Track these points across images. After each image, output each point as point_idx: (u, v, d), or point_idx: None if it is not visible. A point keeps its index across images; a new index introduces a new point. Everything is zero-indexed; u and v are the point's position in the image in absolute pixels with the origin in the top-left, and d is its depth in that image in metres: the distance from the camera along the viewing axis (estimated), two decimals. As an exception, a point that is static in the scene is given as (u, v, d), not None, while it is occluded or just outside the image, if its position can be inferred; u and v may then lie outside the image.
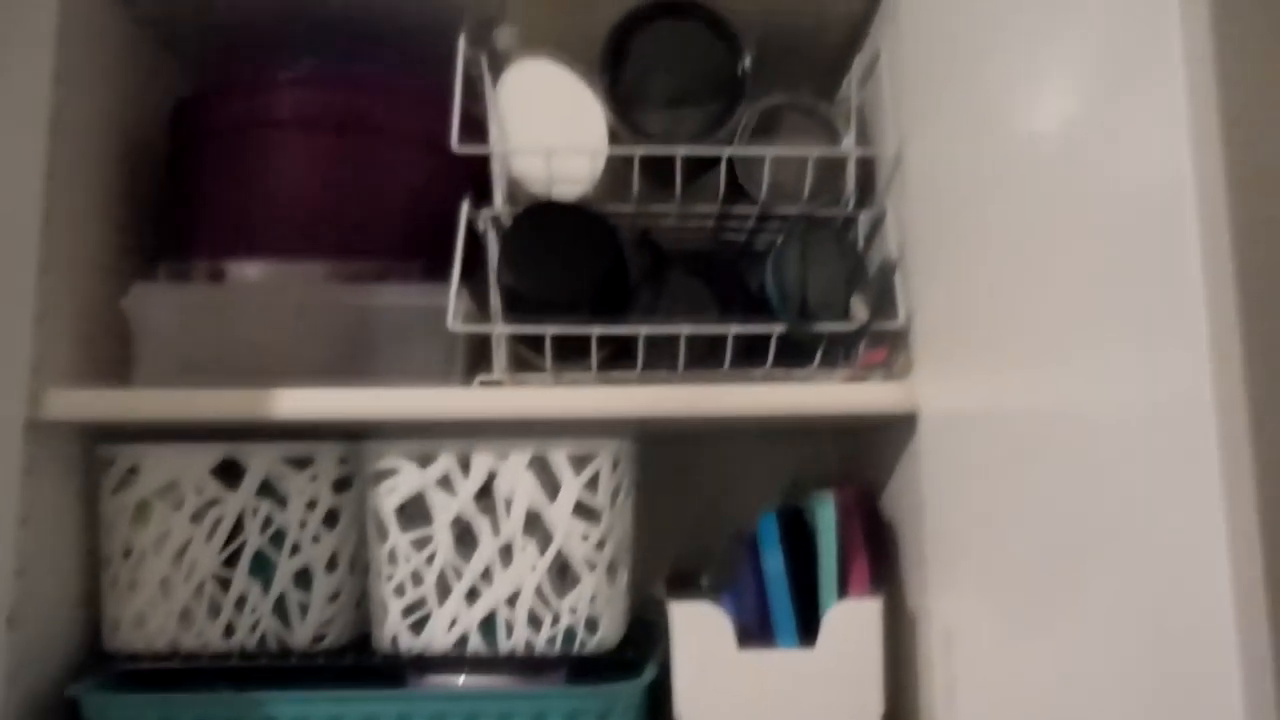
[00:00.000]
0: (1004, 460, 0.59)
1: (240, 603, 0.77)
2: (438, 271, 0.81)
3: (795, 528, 0.79)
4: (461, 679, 0.76)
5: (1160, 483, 0.43)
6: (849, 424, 0.93)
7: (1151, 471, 0.43)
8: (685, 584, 0.91)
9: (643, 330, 0.74)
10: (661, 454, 0.99)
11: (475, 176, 0.86)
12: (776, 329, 0.75)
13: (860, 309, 0.74)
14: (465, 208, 0.77)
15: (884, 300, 0.76)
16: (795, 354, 0.77)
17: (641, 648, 0.79)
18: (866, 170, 0.84)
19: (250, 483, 0.78)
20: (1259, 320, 0.43)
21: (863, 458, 0.94)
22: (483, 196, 0.84)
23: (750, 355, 0.77)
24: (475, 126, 0.80)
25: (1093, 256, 0.49)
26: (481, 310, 0.80)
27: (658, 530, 0.89)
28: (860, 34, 0.89)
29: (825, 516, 0.76)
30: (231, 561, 0.77)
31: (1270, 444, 0.41)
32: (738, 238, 0.88)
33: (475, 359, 0.81)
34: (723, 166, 0.80)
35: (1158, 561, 0.43)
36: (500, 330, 0.75)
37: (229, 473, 0.78)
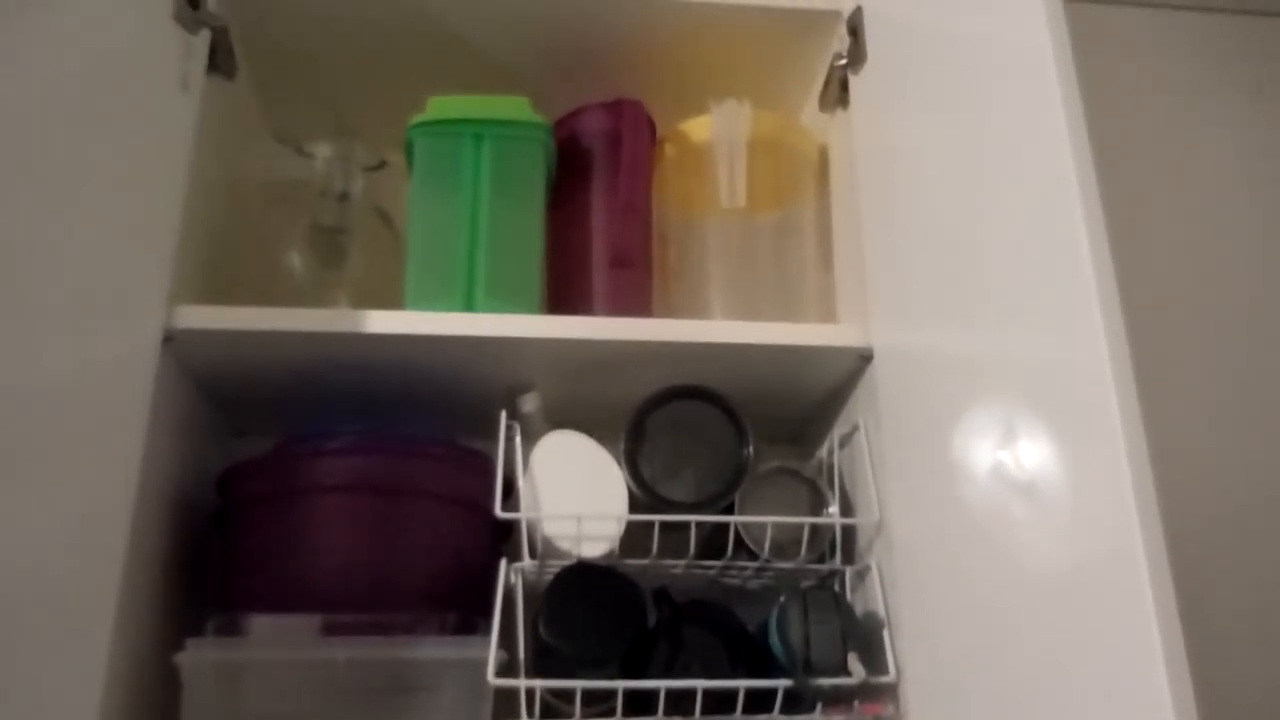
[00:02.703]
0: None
1: None
2: (465, 621, 0.88)
3: None
4: None
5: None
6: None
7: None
8: None
9: (664, 685, 0.82)
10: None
11: (498, 529, 0.96)
12: (783, 684, 0.83)
13: (857, 666, 0.83)
14: (504, 568, 0.86)
15: (875, 655, 0.86)
16: (799, 702, 0.86)
17: None
18: (849, 528, 0.96)
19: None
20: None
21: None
22: (499, 542, 0.92)
23: (758, 701, 0.85)
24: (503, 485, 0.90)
25: (1058, 621, 0.60)
26: (510, 658, 0.87)
27: None
28: (838, 403, 1.03)
29: None
30: None
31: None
32: (735, 582, 0.98)
33: (499, 699, 0.87)
34: (731, 529, 0.91)
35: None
36: (534, 685, 0.82)
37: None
